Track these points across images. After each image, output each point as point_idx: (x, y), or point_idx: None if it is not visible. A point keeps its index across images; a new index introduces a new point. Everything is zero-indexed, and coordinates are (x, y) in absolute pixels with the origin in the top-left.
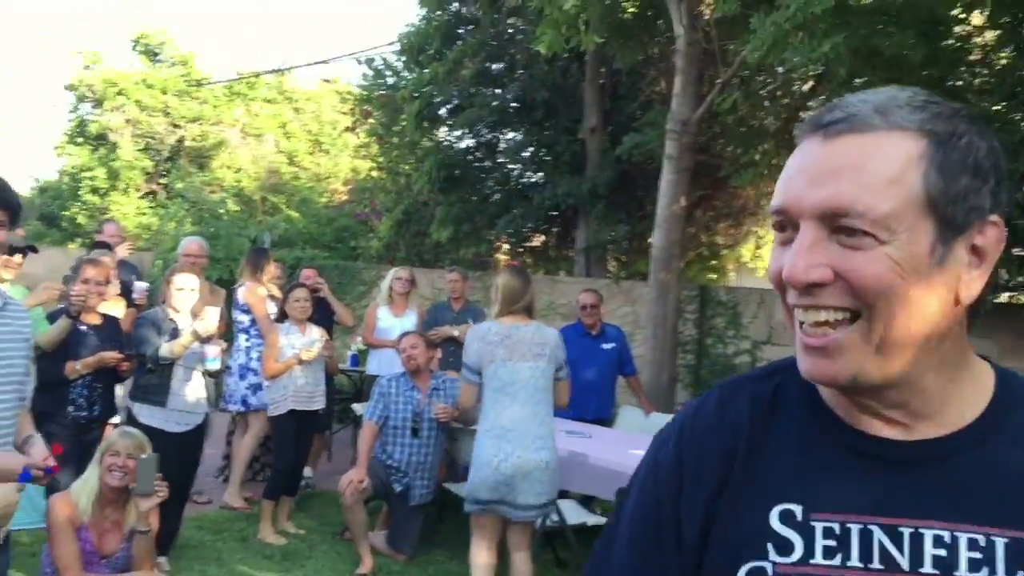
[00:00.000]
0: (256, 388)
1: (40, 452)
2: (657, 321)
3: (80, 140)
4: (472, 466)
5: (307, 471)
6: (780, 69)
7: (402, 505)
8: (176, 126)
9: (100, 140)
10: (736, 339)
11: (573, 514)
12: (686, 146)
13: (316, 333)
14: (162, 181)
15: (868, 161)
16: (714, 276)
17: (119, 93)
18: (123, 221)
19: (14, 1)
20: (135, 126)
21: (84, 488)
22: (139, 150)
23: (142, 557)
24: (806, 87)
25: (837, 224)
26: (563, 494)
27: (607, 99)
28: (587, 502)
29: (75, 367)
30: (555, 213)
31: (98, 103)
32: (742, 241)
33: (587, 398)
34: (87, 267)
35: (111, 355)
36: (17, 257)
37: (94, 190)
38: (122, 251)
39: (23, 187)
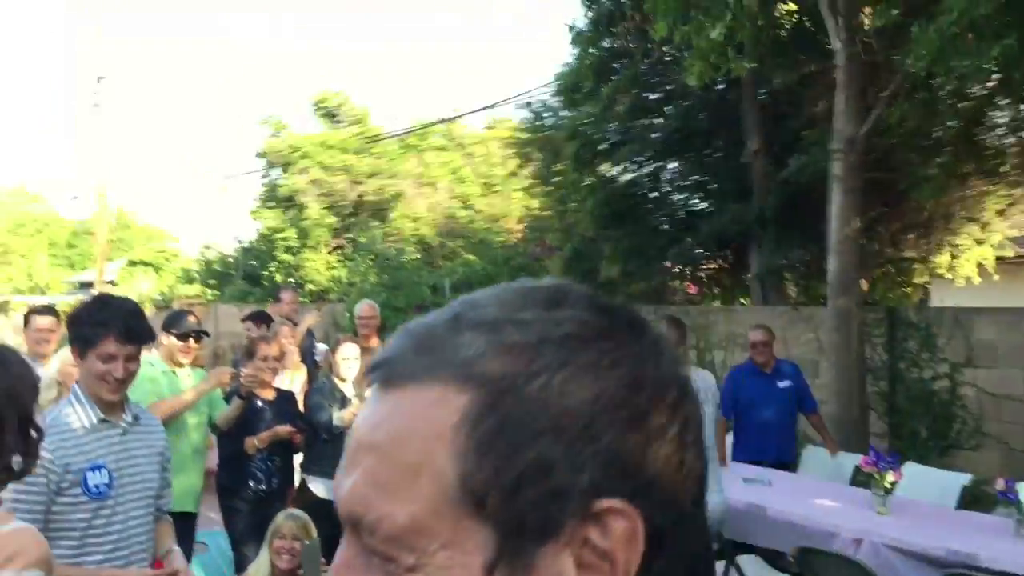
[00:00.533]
0: None
1: (180, 563)
2: (840, 349)
3: (272, 203)
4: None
5: None
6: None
7: None
8: (356, 182)
9: (289, 202)
10: (932, 362)
11: (754, 571)
12: (854, 165)
13: None
14: (347, 236)
15: (387, 437)
16: (907, 290)
17: (303, 156)
18: (315, 276)
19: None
20: (319, 186)
21: (258, 571)
22: (324, 208)
23: None
24: (984, 90)
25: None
26: (747, 548)
27: (768, 121)
28: (775, 558)
29: (253, 442)
30: (727, 241)
31: (285, 167)
32: (935, 252)
33: (766, 441)
34: (262, 345)
35: (284, 429)
36: (191, 342)
37: (287, 249)
38: (310, 320)
39: (230, 248)
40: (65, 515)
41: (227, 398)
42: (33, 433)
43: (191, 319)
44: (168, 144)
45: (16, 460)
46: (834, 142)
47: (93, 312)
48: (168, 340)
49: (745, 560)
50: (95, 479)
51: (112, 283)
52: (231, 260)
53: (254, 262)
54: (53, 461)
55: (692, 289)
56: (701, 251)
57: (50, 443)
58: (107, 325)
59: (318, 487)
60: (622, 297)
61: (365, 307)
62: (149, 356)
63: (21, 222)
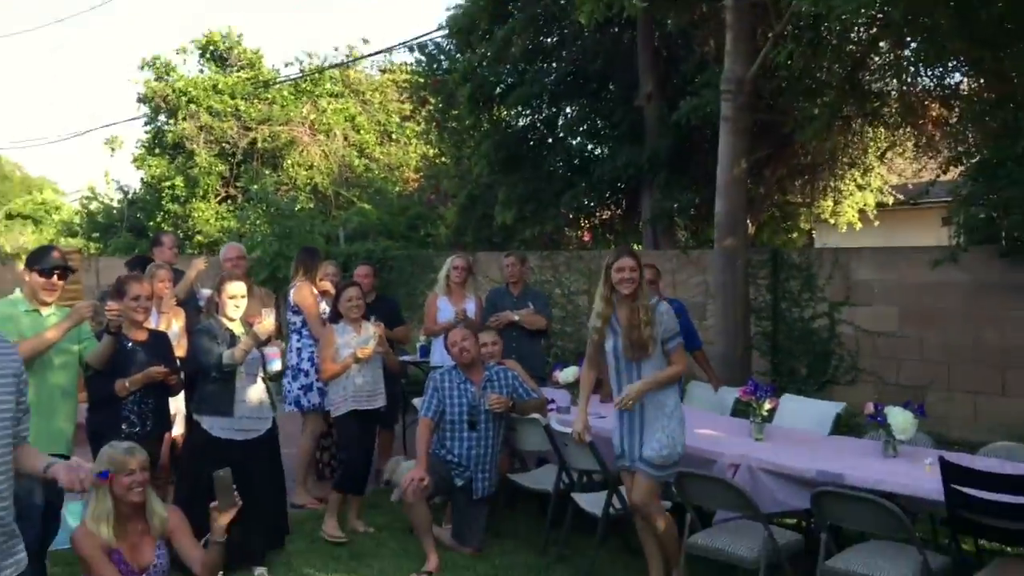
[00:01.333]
0: (308, 388)
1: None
2: (726, 289)
3: (158, 151)
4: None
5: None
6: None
7: (465, 499)
8: (247, 128)
9: (177, 149)
10: (812, 302)
11: None
12: (742, 106)
13: (371, 330)
14: (238, 185)
15: None
16: (792, 237)
17: (190, 101)
18: (205, 226)
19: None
20: (208, 132)
21: (100, 514)
22: (214, 156)
23: (212, 567)
24: (868, 33)
25: None
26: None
27: (662, 64)
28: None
29: (124, 384)
30: (620, 185)
31: (172, 113)
32: (819, 197)
33: None
34: (131, 284)
35: (157, 370)
36: (55, 279)
37: (175, 198)
38: (199, 265)
39: (114, 199)
40: None
41: (98, 336)
42: None
43: (55, 255)
44: (48, 89)
45: None
46: (723, 83)
47: None
48: (31, 277)
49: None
50: None
51: None
52: (115, 211)
53: (139, 213)
54: None
55: (587, 237)
56: (595, 197)
57: None
58: None
59: (210, 424)
60: (517, 243)
61: (231, 248)
62: (12, 296)
63: None
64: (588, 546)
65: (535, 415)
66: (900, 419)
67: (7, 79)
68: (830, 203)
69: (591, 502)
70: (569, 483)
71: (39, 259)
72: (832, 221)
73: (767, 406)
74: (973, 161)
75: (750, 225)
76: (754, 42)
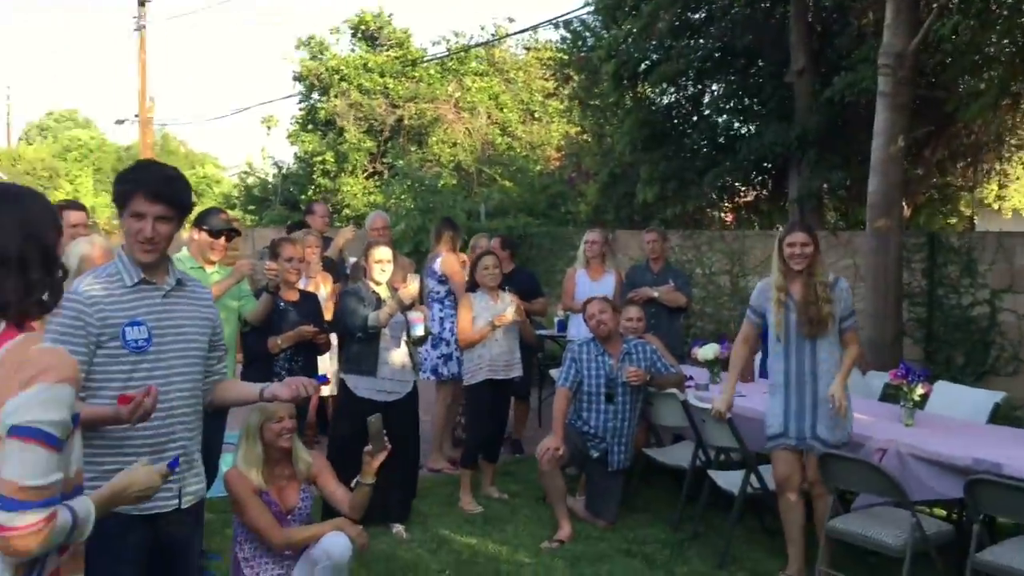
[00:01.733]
0: (448, 358)
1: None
2: (877, 272)
3: (310, 127)
4: None
5: None
6: None
7: (600, 471)
8: (395, 106)
9: (328, 126)
10: (972, 288)
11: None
12: (902, 81)
13: (508, 299)
14: (384, 161)
15: None
16: (951, 222)
17: (342, 79)
18: (353, 201)
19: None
20: (358, 109)
21: (251, 460)
22: (362, 132)
23: (359, 509)
24: None
25: None
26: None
27: (815, 38)
28: None
29: (276, 342)
30: (767, 164)
31: (324, 91)
32: (982, 181)
33: None
34: (284, 246)
35: (308, 329)
36: (222, 240)
37: (325, 173)
38: (346, 234)
39: (270, 173)
40: (105, 367)
41: (255, 295)
42: (60, 272)
43: (223, 217)
44: (211, 68)
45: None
46: (882, 56)
47: (130, 173)
48: (199, 236)
49: (767, 469)
50: (133, 334)
51: None
52: (270, 185)
53: (292, 187)
54: (92, 315)
55: (729, 217)
56: (740, 176)
57: (89, 299)
58: (138, 183)
59: (355, 384)
60: (658, 222)
61: (379, 220)
62: (179, 254)
63: (69, 146)
64: (723, 525)
65: (673, 390)
66: None
67: (174, 59)
68: (994, 187)
69: (728, 480)
70: (706, 460)
71: (208, 220)
72: (996, 207)
73: (919, 391)
74: None
75: (906, 207)
76: (916, 14)
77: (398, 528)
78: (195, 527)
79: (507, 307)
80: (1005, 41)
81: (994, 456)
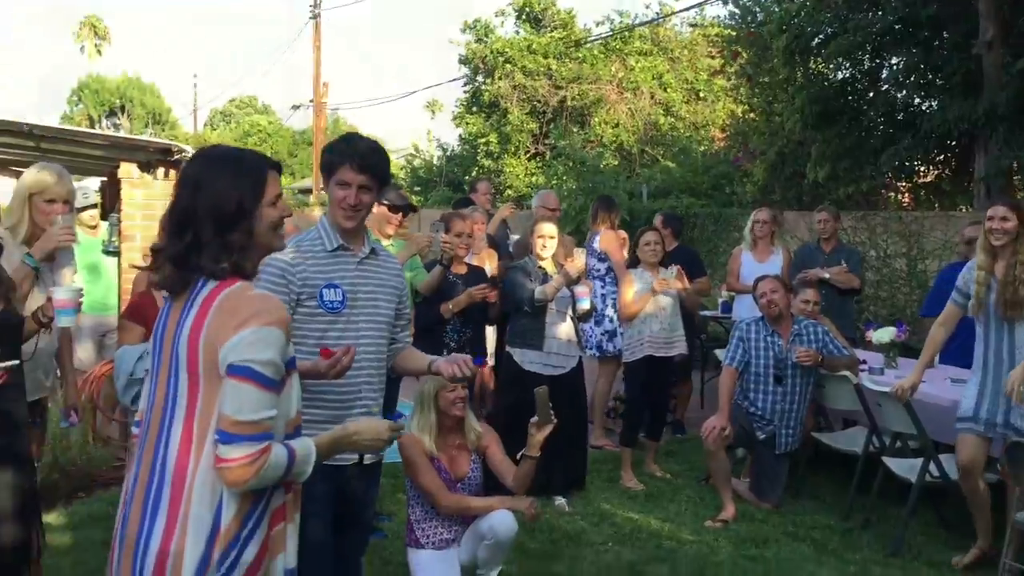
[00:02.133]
0: (611, 335)
1: (446, 361)
2: None
3: (475, 109)
4: None
5: None
6: None
7: (767, 453)
8: (558, 87)
9: (492, 107)
10: None
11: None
12: None
13: (672, 271)
14: (547, 142)
15: None
16: None
17: (507, 62)
18: (515, 182)
19: None
20: (521, 91)
21: (424, 426)
22: (526, 113)
23: (523, 482)
24: None
25: None
26: (948, 447)
27: (1007, 8)
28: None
29: (448, 307)
30: (951, 142)
31: (489, 73)
32: None
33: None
34: (455, 221)
35: (478, 290)
36: (399, 215)
37: (489, 154)
38: (505, 211)
39: (435, 156)
40: (303, 324)
41: (427, 267)
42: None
43: (402, 193)
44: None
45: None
46: None
47: (339, 144)
48: (379, 209)
49: (946, 458)
50: (330, 295)
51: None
52: (435, 167)
53: (456, 169)
54: (295, 274)
55: (906, 198)
56: (920, 153)
57: (293, 259)
58: (345, 154)
59: (521, 357)
60: (828, 203)
61: (549, 197)
62: None
63: (249, 131)
64: (896, 514)
65: (846, 372)
66: None
67: (346, 45)
68: None
69: (904, 468)
70: (880, 446)
71: (388, 195)
72: None
73: None
74: None
75: None
76: None
77: (560, 501)
78: (372, 484)
79: (670, 276)
80: None
81: None
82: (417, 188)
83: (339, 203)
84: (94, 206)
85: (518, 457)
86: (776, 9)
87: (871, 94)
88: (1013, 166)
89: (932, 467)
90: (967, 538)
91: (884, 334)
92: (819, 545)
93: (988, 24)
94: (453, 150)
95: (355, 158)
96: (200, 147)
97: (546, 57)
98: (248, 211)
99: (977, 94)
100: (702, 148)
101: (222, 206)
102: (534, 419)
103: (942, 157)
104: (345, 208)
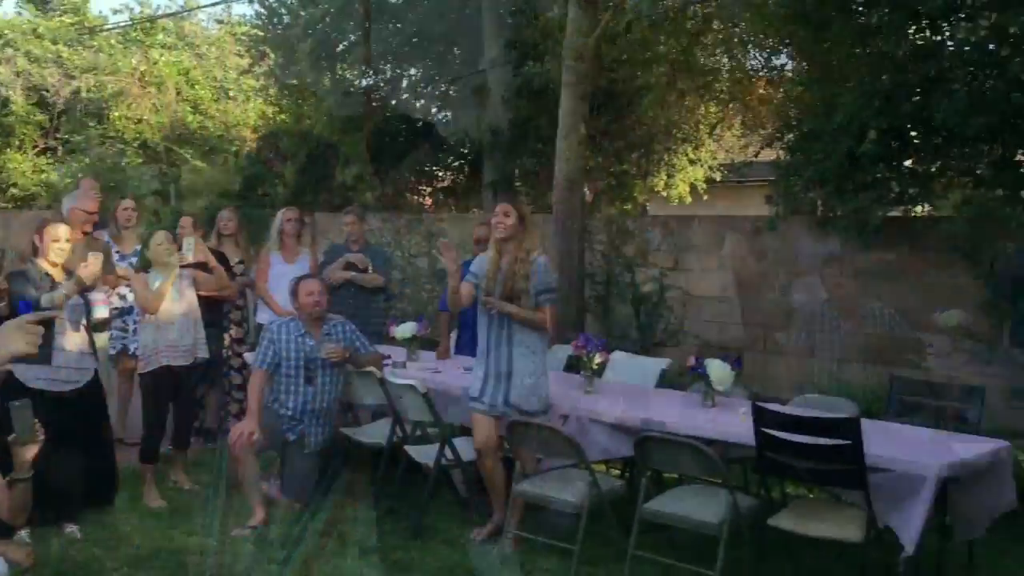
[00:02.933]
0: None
1: None
2: (562, 253)
3: None
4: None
5: None
6: None
7: (297, 453)
8: (70, 77)
9: None
10: (644, 267)
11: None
12: (584, 73)
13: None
14: (58, 136)
15: None
16: (627, 208)
17: (6, 44)
18: (20, 179)
19: None
20: (26, 79)
21: None
22: (32, 104)
23: (20, 508)
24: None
25: None
26: (466, 430)
27: (508, 30)
28: None
29: None
30: (464, 151)
31: None
32: (653, 171)
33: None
34: None
35: None
36: None
37: None
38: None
39: None
40: None
41: None
42: None
43: None
44: None
45: None
46: (566, 49)
47: None
48: None
49: (459, 441)
50: None
51: None
52: None
53: None
54: None
55: (428, 201)
56: (438, 159)
57: None
58: None
59: (24, 373)
60: (357, 204)
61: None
62: None
63: None
64: (419, 498)
65: (371, 368)
66: (718, 371)
67: None
68: (664, 177)
69: (423, 454)
70: (403, 436)
71: None
72: (665, 194)
73: (597, 359)
74: (791, 135)
75: (588, 193)
76: (597, 11)
77: (72, 528)
78: None
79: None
80: (672, 41)
81: (659, 416)
82: None
83: None
84: None
85: (6, 481)
86: (303, 13)
87: (392, 102)
88: (515, 172)
89: (447, 452)
90: (487, 516)
91: (406, 329)
92: (345, 537)
93: (492, 43)
94: None
95: None
96: None
97: (55, 43)
98: None
99: (486, 107)
100: (234, 148)
101: None
102: (12, 436)
103: (458, 163)
104: None
